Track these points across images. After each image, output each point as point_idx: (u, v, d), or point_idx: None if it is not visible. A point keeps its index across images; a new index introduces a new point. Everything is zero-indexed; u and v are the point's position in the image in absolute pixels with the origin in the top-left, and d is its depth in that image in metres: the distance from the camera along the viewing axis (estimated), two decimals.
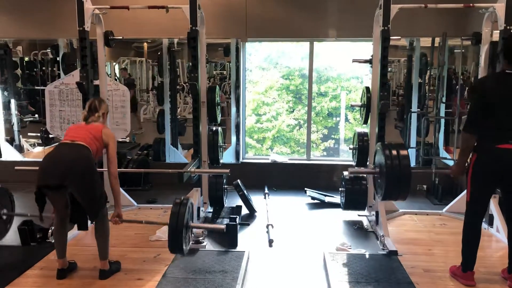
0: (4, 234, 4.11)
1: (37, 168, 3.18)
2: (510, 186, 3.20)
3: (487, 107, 3.07)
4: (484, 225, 4.47)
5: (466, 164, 3.23)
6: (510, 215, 3.29)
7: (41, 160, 3.26)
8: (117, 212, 3.46)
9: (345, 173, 5.02)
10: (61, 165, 3.12)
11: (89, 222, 4.44)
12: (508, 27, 4.14)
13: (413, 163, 6.43)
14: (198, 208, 4.59)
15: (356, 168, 3.80)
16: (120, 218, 3.48)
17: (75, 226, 4.24)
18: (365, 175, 4.83)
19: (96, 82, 4.66)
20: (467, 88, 6.64)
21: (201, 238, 4.04)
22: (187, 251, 3.46)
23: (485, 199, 3.31)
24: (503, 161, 3.06)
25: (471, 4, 4.42)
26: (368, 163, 4.55)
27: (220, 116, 5.13)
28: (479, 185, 3.22)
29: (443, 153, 6.31)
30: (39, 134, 7.41)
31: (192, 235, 3.68)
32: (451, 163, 5.83)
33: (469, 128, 3.14)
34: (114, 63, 8.43)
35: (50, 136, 6.92)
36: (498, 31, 4.25)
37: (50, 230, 4.06)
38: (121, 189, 4.90)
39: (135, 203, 5.18)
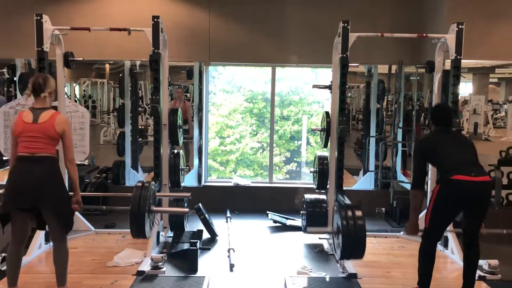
0: None
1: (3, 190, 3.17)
2: (470, 212, 3.34)
3: (432, 155, 3.40)
4: (439, 247, 4.61)
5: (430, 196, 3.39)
6: (468, 239, 3.42)
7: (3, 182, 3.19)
8: (76, 198, 3.37)
9: (306, 196, 5.10)
10: (32, 189, 3.10)
11: (42, 248, 4.27)
12: (458, 57, 4.37)
13: (372, 186, 6.59)
14: (158, 233, 4.50)
15: (315, 228, 3.95)
16: (79, 204, 3.38)
17: (27, 252, 4.07)
18: (325, 198, 4.93)
19: (54, 103, 4.54)
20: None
21: (160, 263, 3.95)
22: (150, 234, 3.37)
23: (443, 227, 3.48)
24: (462, 191, 3.21)
25: (424, 35, 4.66)
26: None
27: (182, 138, 5.10)
28: (440, 214, 3.36)
29: (400, 176, 6.48)
30: None
31: (156, 220, 3.62)
32: (408, 186, 5.99)
33: (416, 185, 3.42)
34: (75, 84, 8.28)
35: (4, 158, 6.66)
36: (450, 60, 4.47)
37: (0, 257, 3.86)
38: (77, 214, 4.76)
39: (92, 228, 5.02)
